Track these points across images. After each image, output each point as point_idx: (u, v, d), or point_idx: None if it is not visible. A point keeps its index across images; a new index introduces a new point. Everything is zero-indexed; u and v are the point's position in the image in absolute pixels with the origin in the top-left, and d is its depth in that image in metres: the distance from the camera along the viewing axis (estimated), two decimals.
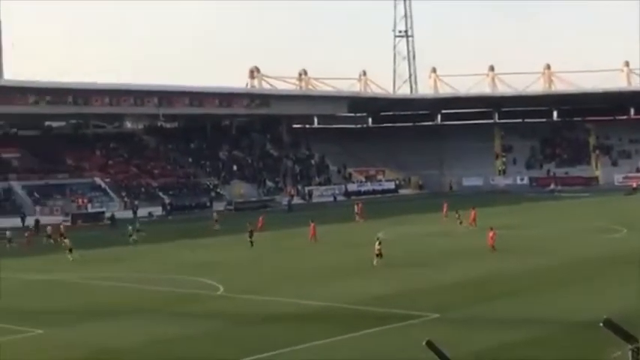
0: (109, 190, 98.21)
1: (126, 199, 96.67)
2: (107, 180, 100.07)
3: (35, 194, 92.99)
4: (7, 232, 65.38)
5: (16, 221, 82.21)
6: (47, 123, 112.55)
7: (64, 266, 52.68)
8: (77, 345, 31.45)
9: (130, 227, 65.78)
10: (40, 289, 44.71)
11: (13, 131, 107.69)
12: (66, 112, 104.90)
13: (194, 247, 60.49)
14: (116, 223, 77.37)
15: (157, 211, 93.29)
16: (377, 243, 47.74)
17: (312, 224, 60.42)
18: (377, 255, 47.11)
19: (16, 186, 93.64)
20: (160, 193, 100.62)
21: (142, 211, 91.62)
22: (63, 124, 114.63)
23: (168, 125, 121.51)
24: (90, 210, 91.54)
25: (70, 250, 54.99)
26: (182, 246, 62.13)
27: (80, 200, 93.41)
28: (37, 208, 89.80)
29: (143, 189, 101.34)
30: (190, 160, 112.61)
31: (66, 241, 56.94)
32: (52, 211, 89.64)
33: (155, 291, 42.91)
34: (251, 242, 58.17)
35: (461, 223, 64.25)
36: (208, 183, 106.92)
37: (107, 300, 41.12)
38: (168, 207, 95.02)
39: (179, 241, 64.88)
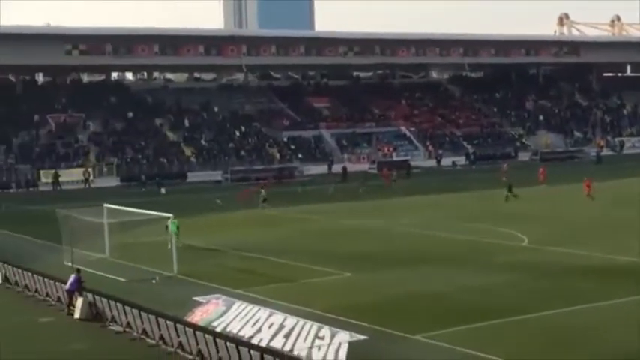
0: (413, 139, 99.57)
1: (430, 148, 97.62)
2: (412, 129, 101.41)
3: (343, 142, 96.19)
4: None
5: (324, 168, 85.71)
6: (355, 73, 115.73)
7: (370, 212, 54.07)
8: (383, 289, 32.28)
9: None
10: (347, 234, 46.19)
11: (323, 81, 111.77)
12: (373, 63, 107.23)
13: (488, 198, 59.88)
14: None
15: (461, 160, 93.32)
16: None
17: (587, 181, 57.46)
18: None
19: (326, 134, 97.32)
20: (464, 143, 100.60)
21: (446, 161, 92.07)
22: (370, 74, 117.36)
23: (473, 74, 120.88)
24: (395, 158, 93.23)
25: (264, 200, 56.01)
26: (483, 196, 61.72)
27: (386, 149, 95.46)
28: (345, 155, 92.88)
29: (447, 138, 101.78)
30: (495, 109, 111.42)
31: (262, 191, 57.45)
32: (359, 159, 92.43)
33: (459, 240, 43.05)
34: (507, 196, 56.64)
35: None
36: (513, 133, 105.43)
37: (412, 246, 41.88)
38: (472, 157, 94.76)
39: (480, 192, 64.51)
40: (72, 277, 29.80)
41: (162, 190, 70.61)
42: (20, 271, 33.96)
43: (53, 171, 78.15)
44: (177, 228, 40.86)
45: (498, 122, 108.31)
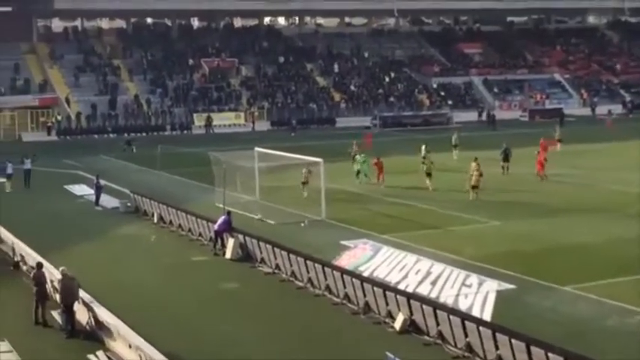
0: (567, 87, 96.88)
1: (585, 96, 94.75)
2: (566, 76, 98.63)
3: (494, 89, 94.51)
4: None
5: (473, 115, 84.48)
6: (509, 18, 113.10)
7: (521, 161, 52.90)
8: (532, 238, 31.79)
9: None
10: (498, 183, 45.34)
11: (476, 27, 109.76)
12: (528, 7, 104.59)
13: None
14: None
15: (617, 109, 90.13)
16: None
17: None
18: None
19: (477, 80, 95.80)
20: (621, 91, 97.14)
21: (601, 109, 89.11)
22: (524, 19, 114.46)
23: (633, 19, 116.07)
24: (547, 106, 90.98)
25: (357, 174, 45.99)
26: None
27: (538, 96, 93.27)
28: (496, 102, 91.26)
29: (603, 86, 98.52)
30: None
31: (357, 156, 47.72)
32: (510, 106, 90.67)
33: (613, 190, 41.90)
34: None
35: None
36: None
37: (563, 196, 41.02)
38: (629, 105, 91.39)
39: (637, 141, 62.16)
40: (221, 219, 30.57)
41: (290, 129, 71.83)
42: (174, 210, 35.09)
43: (206, 114, 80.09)
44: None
45: None
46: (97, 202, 41.15)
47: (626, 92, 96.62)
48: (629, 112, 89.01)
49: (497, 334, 18.69)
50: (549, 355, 17.29)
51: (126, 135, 74.00)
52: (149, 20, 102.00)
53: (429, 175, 43.46)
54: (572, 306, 23.58)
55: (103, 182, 42.32)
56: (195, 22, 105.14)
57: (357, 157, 46.53)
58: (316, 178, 37.42)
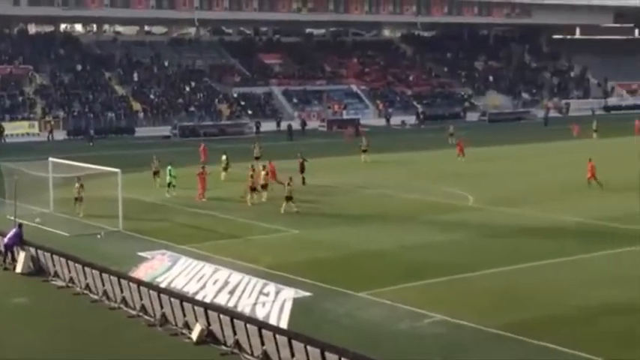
0: (363, 97, 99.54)
1: (380, 107, 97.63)
2: (363, 87, 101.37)
3: (294, 99, 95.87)
4: None
5: (272, 125, 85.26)
6: (308, 30, 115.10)
7: (317, 171, 53.93)
8: (329, 246, 32.46)
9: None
10: (295, 192, 45.91)
11: (276, 38, 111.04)
12: (326, 20, 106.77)
13: (435, 157, 60.19)
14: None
15: (411, 120, 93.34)
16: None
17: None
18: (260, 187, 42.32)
19: (277, 90, 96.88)
20: (414, 102, 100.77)
21: (395, 120, 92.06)
22: (322, 31, 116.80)
23: (425, 34, 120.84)
24: (345, 117, 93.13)
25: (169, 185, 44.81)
26: (430, 156, 62.02)
27: (336, 106, 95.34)
28: (295, 113, 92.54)
29: (398, 97, 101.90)
30: (446, 69, 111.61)
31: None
32: (309, 117, 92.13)
33: (404, 198, 43.34)
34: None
35: None
36: (463, 93, 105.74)
37: (357, 205, 42.07)
38: (422, 116, 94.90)
39: (427, 151, 64.75)
40: (12, 231, 29.43)
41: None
42: None
43: None
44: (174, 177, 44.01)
45: (448, 82, 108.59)
46: None
47: (419, 103, 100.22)
48: (421, 123, 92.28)
49: (293, 341, 18.92)
50: (343, 359, 17.65)
51: None
52: None
53: (264, 186, 42.47)
54: (366, 311, 24.19)
55: None
56: None
57: (170, 168, 44.92)
58: (113, 188, 36.64)
